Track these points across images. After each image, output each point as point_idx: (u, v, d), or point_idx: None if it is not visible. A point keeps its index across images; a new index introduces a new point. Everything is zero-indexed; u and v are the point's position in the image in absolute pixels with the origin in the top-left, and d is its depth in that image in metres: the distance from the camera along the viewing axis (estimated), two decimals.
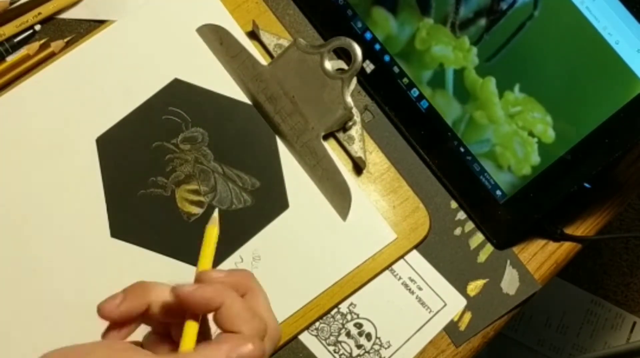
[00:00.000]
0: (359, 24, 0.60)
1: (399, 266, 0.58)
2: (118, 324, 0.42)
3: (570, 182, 0.56)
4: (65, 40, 0.59)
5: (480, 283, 0.59)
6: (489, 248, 0.59)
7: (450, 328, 0.58)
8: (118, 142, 0.57)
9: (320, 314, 0.57)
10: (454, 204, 0.60)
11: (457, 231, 0.60)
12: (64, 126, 0.57)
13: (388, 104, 0.60)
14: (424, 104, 0.59)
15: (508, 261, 0.59)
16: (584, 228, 0.61)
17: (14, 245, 0.55)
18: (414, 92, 0.59)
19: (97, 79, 0.58)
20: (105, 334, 0.42)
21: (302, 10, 0.62)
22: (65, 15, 0.59)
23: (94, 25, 0.60)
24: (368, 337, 0.57)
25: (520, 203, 0.57)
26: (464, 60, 0.57)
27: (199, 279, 0.41)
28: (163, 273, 0.55)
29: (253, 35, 0.59)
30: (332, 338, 0.57)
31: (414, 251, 0.58)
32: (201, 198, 0.57)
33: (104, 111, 0.58)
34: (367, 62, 0.60)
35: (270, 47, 0.59)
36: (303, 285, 0.56)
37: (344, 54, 0.57)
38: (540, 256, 0.60)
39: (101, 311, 0.41)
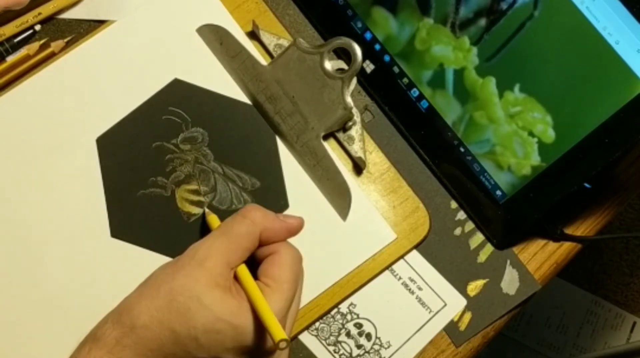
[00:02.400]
0: (359, 24, 0.60)
1: (399, 266, 0.58)
2: None
3: (570, 182, 0.56)
4: (65, 40, 0.59)
5: (480, 283, 0.59)
6: (489, 248, 0.59)
7: (450, 328, 0.58)
8: (118, 142, 0.57)
9: (320, 314, 0.57)
10: (454, 204, 0.60)
11: (457, 231, 0.60)
12: (64, 126, 0.57)
13: (388, 104, 0.60)
14: (424, 104, 0.59)
15: (508, 261, 0.59)
16: (584, 228, 0.61)
17: (14, 244, 0.55)
18: (414, 92, 0.59)
19: (97, 79, 0.58)
20: None
21: (302, 10, 0.62)
22: (65, 15, 0.59)
23: (94, 25, 0.60)
24: (368, 337, 0.57)
25: (520, 203, 0.57)
26: (464, 60, 0.57)
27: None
28: None
29: (253, 35, 0.59)
30: (332, 338, 0.57)
31: (414, 251, 0.58)
32: (201, 198, 0.57)
33: (104, 111, 0.58)
34: (367, 62, 0.60)
35: (270, 47, 0.59)
36: (303, 285, 0.56)
37: (344, 54, 0.57)
38: (540, 256, 0.60)
39: None
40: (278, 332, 0.44)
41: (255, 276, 0.49)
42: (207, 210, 0.56)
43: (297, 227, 0.52)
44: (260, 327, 0.46)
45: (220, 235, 0.48)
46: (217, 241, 0.48)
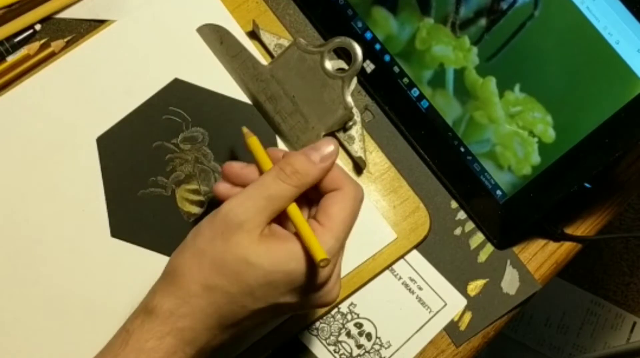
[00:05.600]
0: (360, 24, 0.60)
1: (399, 266, 0.58)
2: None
3: (570, 182, 0.56)
4: (65, 40, 0.59)
5: (480, 283, 0.59)
6: (489, 248, 0.59)
7: (451, 328, 0.58)
8: (118, 142, 0.57)
9: (320, 314, 0.57)
10: (454, 204, 0.60)
11: (457, 231, 0.60)
12: (64, 126, 0.57)
13: (388, 104, 0.60)
14: (424, 104, 0.59)
15: (508, 261, 0.59)
16: (584, 228, 0.61)
17: (14, 244, 0.55)
18: (414, 92, 0.59)
19: (97, 79, 0.58)
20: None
21: (302, 10, 0.62)
22: (65, 15, 0.59)
23: (94, 25, 0.60)
24: (368, 336, 0.57)
25: (521, 203, 0.57)
26: (464, 60, 0.57)
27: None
28: None
29: (253, 35, 0.59)
30: (332, 338, 0.57)
31: (414, 251, 0.58)
32: (201, 198, 0.57)
33: (104, 111, 0.58)
34: (368, 62, 0.60)
35: (271, 47, 0.59)
36: None
37: (344, 53, 0.57)
38: (540, 256, 0.60)
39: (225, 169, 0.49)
40: (318, 252, 0.44)
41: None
42: (245, 129, 0.51)
43: (332, 162, 0.48)
44: (310, 266, 0.46)
45: (258, 197, 0.46)
46: (256, 204, 0.46)
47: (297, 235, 0.46)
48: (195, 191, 0.57)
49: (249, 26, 0.59)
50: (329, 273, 0.46)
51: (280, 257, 0.45)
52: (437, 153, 0.59)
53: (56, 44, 0.59)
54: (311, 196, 0.49)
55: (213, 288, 0.45)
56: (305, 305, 0.48)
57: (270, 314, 0.47)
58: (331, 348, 0.57)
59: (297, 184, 0.47)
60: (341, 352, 0.57)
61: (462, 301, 0.58)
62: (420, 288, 0.58)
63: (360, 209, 0.48)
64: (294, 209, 0.47)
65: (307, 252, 0.45)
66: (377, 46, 0.60)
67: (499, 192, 0.58)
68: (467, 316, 0.58)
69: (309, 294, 0.47)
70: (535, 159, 0.56)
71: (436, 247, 0.59)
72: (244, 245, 0.45)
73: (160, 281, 0.48)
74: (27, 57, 0.58)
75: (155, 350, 0.45)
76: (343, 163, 0.58)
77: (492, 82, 0.57)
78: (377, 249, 0.57)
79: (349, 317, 0.57)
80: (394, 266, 0.58)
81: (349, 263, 0.57)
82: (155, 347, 0.45)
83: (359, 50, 0.56)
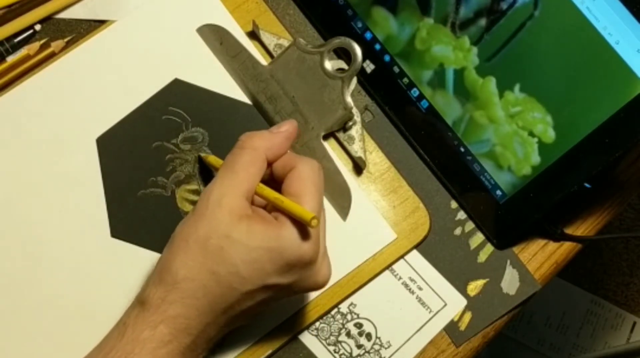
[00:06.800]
0: (359, 24, 0.60)
1: (399, 266, 0.58)
2: None
3: (570, 182, 0.56)
4: (65, 40, 0.59)
5: (480, 283, 0.59)
6: (489, 248, 0.59)
7: (450, 328, 0.58)
8: (118, 142, 0.57)
9: (321, 314, 0.57)
10: (454, 204, 0.60)
11: (457, 231, 0.60)
12: (64, 126, 0.57)
13: (388, 104, 0.60)
14: (424, 104, 0.59)
15: (508, 261, 0.59)
16: (584, 228, 0.61)
17: (14, 244, 0.55)
18: (414, 92, 0.59)
19: (97, 79, 0.58)
20: None
21: (302, 10, 0.62)
22: (65, 15, 0.59)
23: (94, 25, 0.60)
24: (368, 336, 0.57)
25: (520, 203, 0.57)
26: (464, 60, 0.57)
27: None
28: None
29: (253, 35, 0.59)
30: (332, 338, 0.57)
31: (414, 251, 0.58)
32: None
33: (104, 111, 0.58)
34: (367, 62, 0.60)
35: (270, 47, 0.59)
36: None
37: (344, 54, 0.57)
38: (540, 256, 0.60)
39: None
40: (305, 213, 0.46)
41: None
42: (203, 154, 0.57)
43: (293, 131, 0.52)
44: (291, 241, 0.47)
45: (226, 172, 0.48)
46: (226, 178, 0.48)
47: (278, 210, 0.47)
48: (195, 192, 0.57)
49: (249, 26, 0.59)
50: (314, 250, 0.47)
51: (260, 235, 0.46)
52: (437, 153, 0.59)
53: (56, 44, 0.59)
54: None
55: (199, 269, 0.46)
56: (297, 287, 0.49)
57: (262, 297, 0.47)
58: (331, 348, 0.57)
59: (254, 147, 0.49)
60: (341, 352, 0.57)
61: (462, 301, 0.58)
62: (420, 288, 0.58)
63: (322, 179, 0.50)
64: (265, 189, 0.48)
65: (288, 230, 0.46)
66: (377, 46, 0.60)
67: (498, 192, 0.58)
68: (467, 316, 0.58)
69: (297, 274, 0.48)
70: (535, 159, 0.56)
71: (436, 247, 0.59)
72: (225, 221, 0.46)
73: (153, 273, 0.48)
74: (27, 58, 0.58)
75: (150, 339, 0.46)
76: (343, 163, 0.58)
77: (492, 83, 0.57)
78: (377, 249, 0.57)
79: (349, 317, 0.57)
80: (394, 266, 0.58)
81: (349, 263, 0.57)
82: (150, 336, 0.46)
83: (358, 50, 0.56)
